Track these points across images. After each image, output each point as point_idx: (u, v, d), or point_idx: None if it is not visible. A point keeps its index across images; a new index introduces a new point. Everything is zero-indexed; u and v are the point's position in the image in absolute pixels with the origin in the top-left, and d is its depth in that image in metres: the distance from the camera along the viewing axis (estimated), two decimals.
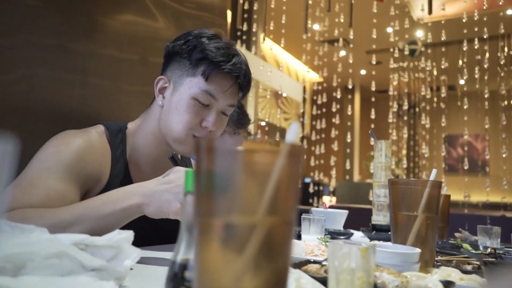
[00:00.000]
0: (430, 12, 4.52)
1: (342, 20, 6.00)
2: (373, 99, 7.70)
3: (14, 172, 0.34)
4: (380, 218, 1.79)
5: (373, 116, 6.84)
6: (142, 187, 1.09)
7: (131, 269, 0.81)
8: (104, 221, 1.04)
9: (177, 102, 1.29)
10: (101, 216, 1.04)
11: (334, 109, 6.70)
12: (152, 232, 1.33)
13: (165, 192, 1.05)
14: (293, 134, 0.46)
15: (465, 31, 6.09)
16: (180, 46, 1.32)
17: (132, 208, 1.06)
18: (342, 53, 9.46)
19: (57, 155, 1.16)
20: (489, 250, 1.43)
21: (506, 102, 7.56)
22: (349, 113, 8.23)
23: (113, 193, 1.09)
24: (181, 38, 1.34)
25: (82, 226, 1.02)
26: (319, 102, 7.52)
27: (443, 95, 7.75)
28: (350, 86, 7.10)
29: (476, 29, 6.06)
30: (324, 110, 7.80)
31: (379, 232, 1.73)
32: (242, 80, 1.33)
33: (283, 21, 6.09)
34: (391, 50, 7.48)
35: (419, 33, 8.50)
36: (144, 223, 1.13)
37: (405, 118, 10.93)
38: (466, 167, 6.81)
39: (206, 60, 1.27)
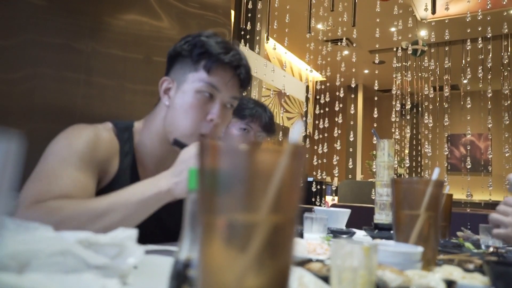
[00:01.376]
0: (433, 11, 4.51)
1: (345, 20, 5.99)
2: (376, 98, 7.68)
3: (18, 171, 0.34)
4: (382, 217, 1.79)
5: (376, 115, 6.82)
6: (165, 174, 1.14)
7: (135, 267, 0.82)
8: (135, 209, 1.08)
9: (181, 99, 1.33)
10: (132, 205, 1.08)
11: (337, 108, 6.68)
12: (155, 230, 1.35)
13: (185, 168, 1.11)
14: (297, 132, 0.46)
15: (468, 30, 6.07)
16: (181, 46, 1.36)
17: (161, 193, 1.10)
18: (345, 52, 9.45)
19: (70, 146, 1.20)
20: (491, 249, 1.43)
21: (509, 102, 7.53)
22: (352, 112, 8.21)
23: (139, 184, 1.13)
24: (183, 40, 1.38)
25: (114, 215, 1.05)
26: (322, 101, 7.51)
27: (446, 95, 7.74)
28: (353, 85, 7.08)
29: (479, 29, 6.04)
30: (327, 109, 7.79)
31: (381, 231, 1.73)
32: (242, 72, 1.38)
33: (286, 21, 6.08)
34: (394, 49, 7.48)
35: (423, 33, 8.49)
36: (147, 222, 1.14)
37: (408, 117, 10.90)
38: (468, 166, 6.79)
39: (206, 54, 1.32)
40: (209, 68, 1.32)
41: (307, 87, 10.08)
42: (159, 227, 1.38)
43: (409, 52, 7.43)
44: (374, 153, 1.98)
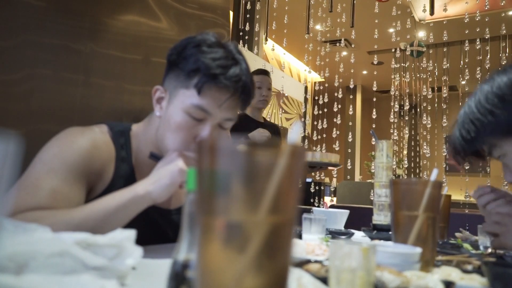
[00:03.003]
0: (432, 12, 4.51)
1: (344, 21, 6.00)
2: (374, 99, 7.69)
3: (17, 172, 0.34)
4: (381, 218, 1.79)
5: (374, 116, 6.83)
6: (143, 180, 1.14)
7: (133, 268, 0.81)
8: (113, 215, 1.06)
9: (170, 116, 1.24)
10: (109, 211, 1.06)
11: (335, 109, 6.68)
12: (151, 232, 1.34)
13: (164, 167, 1.13)
14: (296, 133, 0.46)
15: (467, 31, 6.09)
16: (177, 54, 1.25)
17: (138, 197, 1.09)
18: (344, 53, 9.46)
19: (60, 155, 1.15)
20: (489, 250, 1.43)
21: None
22: (351, 113, 8.19)
23: (119, 191, 1.12)
24: (181, 45, 1.25)
25: (93, 223, 1.03)
26: (320, 102, 7.52)
27: (444, 96, 7.74)
28: (351, 86, 7.08)
29: (478, 30, 6.06)
30: (325, 110, 7.79)
31: (380, 232, 1.73)
32: (240, 92, 1.24)
33: (285, 22, 6.09)
34: (393, 50, 7.48)
35: (421, 34, 8.50)
36: (143, 223, 1.14)
37: (406, 118, 10.91)
38: (467, 167, 6.78)
39: (199, 72, 1.19)
40: (200, 88, 1.19)
41: (306, 88, 10.08)
42: (155, 229, 1.36)
43: (408, 53, 7.44)
44: (373, 154, 1.97)
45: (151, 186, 1.10)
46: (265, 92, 3.67)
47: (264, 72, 3.78)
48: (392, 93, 8.49)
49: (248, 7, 6.60)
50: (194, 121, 1.22)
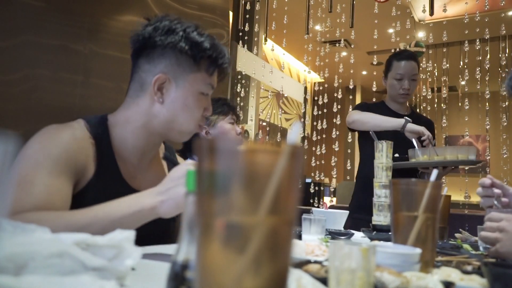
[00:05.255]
0: (431, 13, 4.51)
1: (343, 21, 6.00)
2: (374, 100, 7.69)
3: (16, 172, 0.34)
4: (380, 218, 1.79)
5: None
6: (151, 191, 1.12)
7: (133, 269, 0.81)
8: (117, 224, 1.04)
9: (185, 99, 1.37)
10: (114, 220, 1.06)
11: (335, 110, 6.68)
12: (151, 233, 1.33)
13: (177, 186, 1.08)
14: (295, 133, 0.46)
15: (466, 32, 6.09)
16: (177, 42, 1.34)
17: (144, 211, 1.08)
18: (344, 53, 9.46)
19: (44, 150, 1.16)
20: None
21: (507, 103, 7.56)
22: None
23: (126, 198, 1.11)
24: (169, 32, 1.35)
25: (96, 228, 1.02)
26: (320, 102, 7.51)
27: (444, 96, 7.75)
28: (351, 87, 7.07)
29: (477, 30, 6.06)
30: (325, 110, 7.78)
31: (379, 233, 1.73)
32: (228, 68, 1.48)
33: (284, 22, 6.09)
34: (393, 51, 7.48)
35: (421, 34, 8.50)
36: (142, 224, 1.14)
37: None
38: (466, 168, 6.79)
39: (209, 58, 1.38)
40: (212, 71, 1.40)
41: (305, 88, 10.08)
42: (152, 229, 1.36)
43: None
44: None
45: (159, 204, 1.09)
46: (407, 84, 2.85)
47: (409, 57, 2.95)
48: None
49: (248, 7, 6.60)
50: (204, 97, 1.41)
